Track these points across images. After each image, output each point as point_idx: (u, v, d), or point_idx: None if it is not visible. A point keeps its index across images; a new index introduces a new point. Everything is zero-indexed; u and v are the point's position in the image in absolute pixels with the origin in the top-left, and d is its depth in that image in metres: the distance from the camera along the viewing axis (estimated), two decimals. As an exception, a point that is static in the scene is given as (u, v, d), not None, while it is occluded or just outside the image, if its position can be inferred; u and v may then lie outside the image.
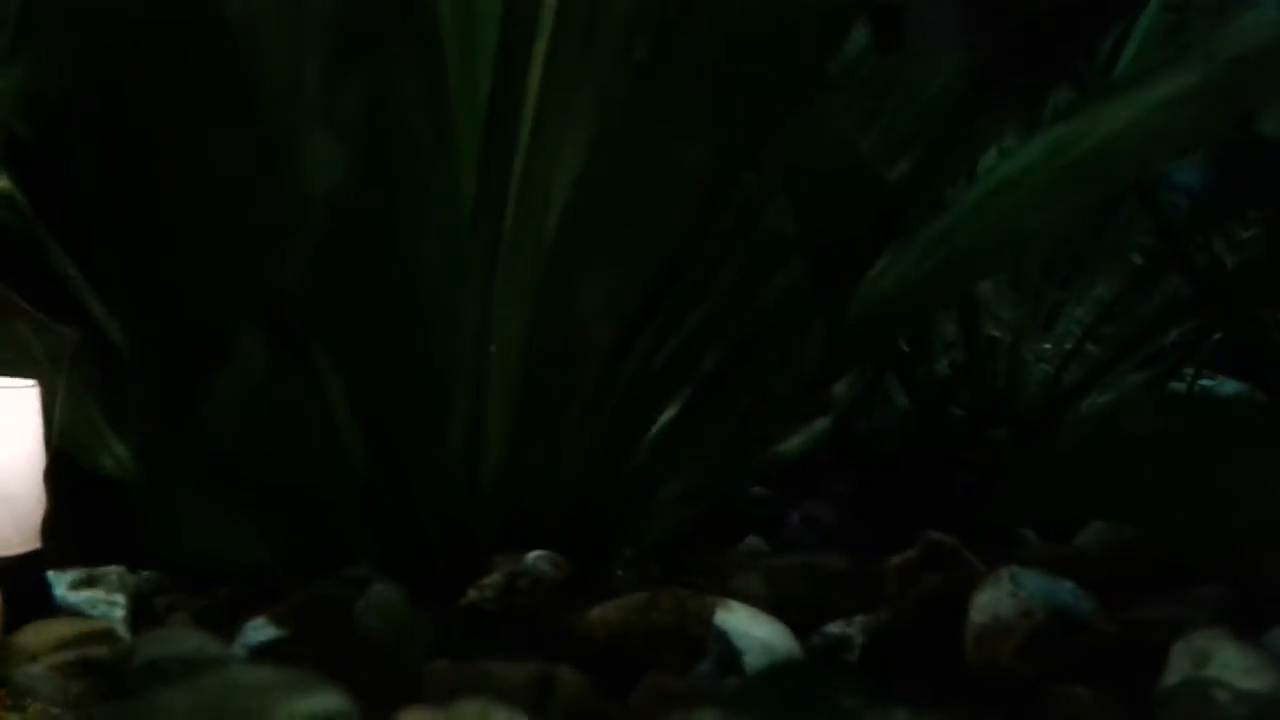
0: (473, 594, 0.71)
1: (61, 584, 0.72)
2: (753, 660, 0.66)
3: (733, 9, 0.66)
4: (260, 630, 0.60)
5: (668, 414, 0.85)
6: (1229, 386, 1.15)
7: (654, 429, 0.84)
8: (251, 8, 0.54)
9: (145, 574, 0.76)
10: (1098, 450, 0.57)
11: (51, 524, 0.64)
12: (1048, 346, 1.15)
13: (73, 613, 0.71)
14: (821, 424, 1.04)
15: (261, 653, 0.59)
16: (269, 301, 0.58)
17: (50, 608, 0.71)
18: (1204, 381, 1.14)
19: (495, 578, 0.71)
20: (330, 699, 0.37)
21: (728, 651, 0.67)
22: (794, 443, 1.02)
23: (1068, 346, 1.13)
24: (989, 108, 0.74)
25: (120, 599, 0.71)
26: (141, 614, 0.73)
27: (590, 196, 0.74)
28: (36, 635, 0.65)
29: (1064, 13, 0.70)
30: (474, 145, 0.72)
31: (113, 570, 0.74)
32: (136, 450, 0.58)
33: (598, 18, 0.74)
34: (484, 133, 0.72)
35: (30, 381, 0.65)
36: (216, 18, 0.53)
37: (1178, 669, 0.58)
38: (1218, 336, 1.09)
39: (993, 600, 0.67)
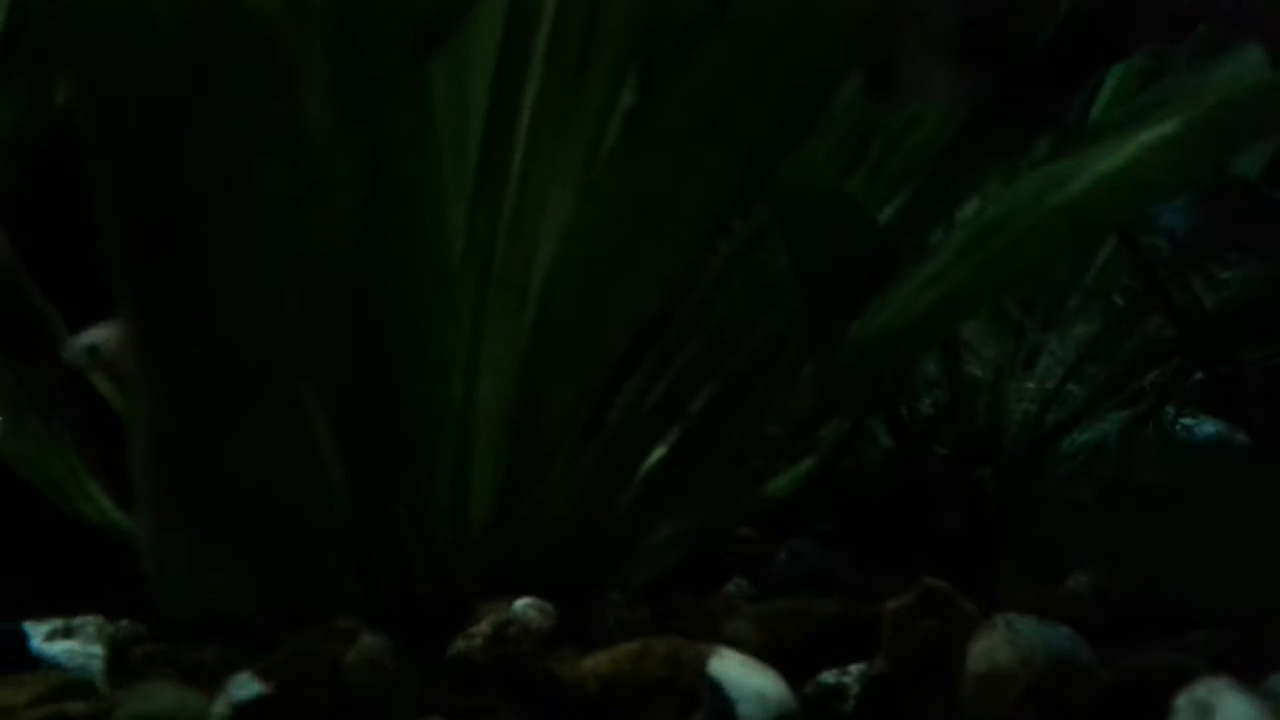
0: (461, 644, 0.69)
1: (38, 635, 0.70)
2: (746, 710, 0.65)
3: (726, 53, 0.66)
4: (245, 686, 0.58)
5: (656, 455, 0.84)
6: (1209, 426, 1.15)
7: (643, 471, 0.83)
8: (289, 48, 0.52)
9: (123, 624, 0.74)
10: (1099, 497, 0.57)
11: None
12: (1030, 385, 1.15)
13: (50, 665, 0.69)
14: (807, 464, 1.03)
15: (246, 710, 0.57)
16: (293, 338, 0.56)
17: (27, 660, 0.69)
18: (1184, 421, 1.14)
19: (484, 627, 0.70)
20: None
21: (721, 702, 0.66)
22: (780, 483, 1.01)
23: (1049, 386, 1.13)
24: (981, 151, 0.74)
25: (98, 650, 0.69)
26: (118, 665, 0.71)
27: (579, 239, 0.74)
28: (11, 690, 0.63)
29: (1053, 59, 0.70)
30: (464, 188, 0.72)
31: (90, 620, 0.72)
32: (144, 494, 0.56)
33: (588, 61, 0.74)
34: (474, 176, 0.71)
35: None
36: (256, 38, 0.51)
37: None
38: (1198, 376, 1.09)
39: (989, 648, 0.66)
